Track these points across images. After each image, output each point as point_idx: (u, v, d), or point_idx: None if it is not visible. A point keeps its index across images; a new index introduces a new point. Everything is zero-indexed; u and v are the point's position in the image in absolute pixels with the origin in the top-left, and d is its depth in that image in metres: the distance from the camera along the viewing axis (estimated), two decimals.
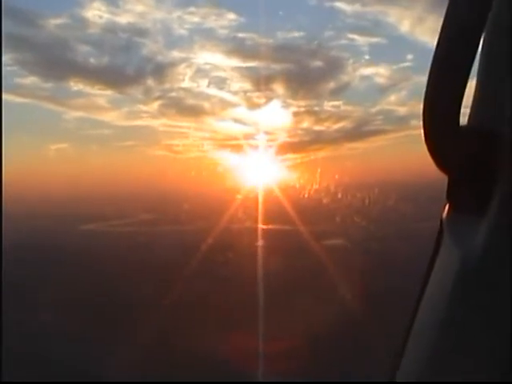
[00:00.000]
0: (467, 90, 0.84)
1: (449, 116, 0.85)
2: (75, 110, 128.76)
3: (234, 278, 17.38)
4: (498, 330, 0.78)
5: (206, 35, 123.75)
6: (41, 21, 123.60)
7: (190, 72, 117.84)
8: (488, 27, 0.84)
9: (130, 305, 15.54)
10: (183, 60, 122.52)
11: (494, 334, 0.78)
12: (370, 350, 11.14)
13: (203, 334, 13.41)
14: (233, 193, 31.85)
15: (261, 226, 26.20)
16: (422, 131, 0.86)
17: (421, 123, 0.87)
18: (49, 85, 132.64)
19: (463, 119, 0.89)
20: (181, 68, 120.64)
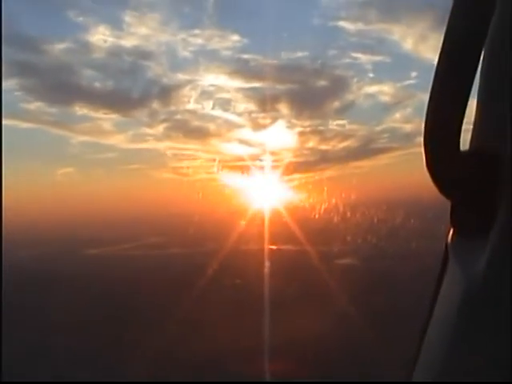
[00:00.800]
0: (467, 111, 0.85)
1: (449, 141, 0.85)
2: (81, 134, 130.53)
3: (243, 300, 17.28)
4: (503, 346, 0.78)
5: (211, 57, 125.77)
6: (45, 46, 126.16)
7: (194, 94, 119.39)
8: (487, 46, 0.84)
9: (140, 328, 15.46)
10: (188, 82, 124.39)
11: (500, 350, 0.79)
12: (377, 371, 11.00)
13: (212, 357, 13.29)
14: (240, 214, 31.92)
15: (269, 246, 26.14)
16: (423, 155, 0.87)
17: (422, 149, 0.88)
18: (54, 110, 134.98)
19: (464, 141, 0.89)
20: (186, 90, 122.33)
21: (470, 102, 0.84)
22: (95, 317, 16.89)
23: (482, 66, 0.87)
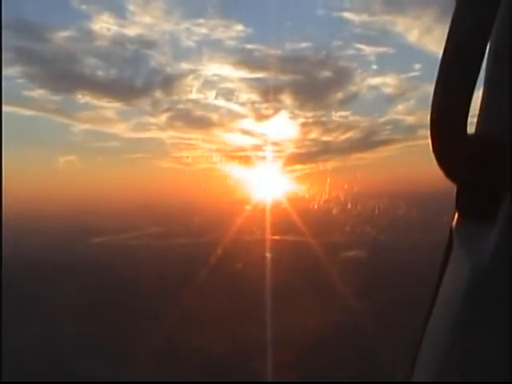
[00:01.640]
0: (474, 98, 0.84)
1: (456, 125, 0.85)
2: (83, 122, 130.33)
3: (244, 289, 17.32)
4: (508, 331, 0.78)
5: (214, 47, 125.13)
6: (48, 34, 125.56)
7: (197, 84, 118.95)
8: (493, 35, 0.84)
9: (141, 317, 15.53)
10: (191, 72, 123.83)
11: (505, 338, 0.79)
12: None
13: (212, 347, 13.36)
14: (242, 204, 31.94)
15: (270, 236, 26.19)
16: (430, 140, 0.87)
17: (429, 132, 0.87)
18: (57, 98, 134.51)
19: (470, 128, 0.89)
20: (189, 80, 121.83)
21: (475, 93, 0.84)
22: (98, 305, 16.97)
23: (489, 54, 0.88)
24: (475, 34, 0.82)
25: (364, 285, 16.66)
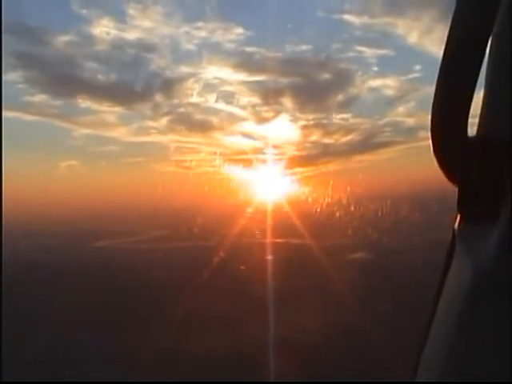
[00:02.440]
0: (475, 99, 0.84)
1: (457, 126, 0.85)
2: (84, 127, 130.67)
3: (247, 291, 17.30)
4: (511, 335, 0.78)
5: (214, 50, 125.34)
6: (48, 38, 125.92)
7: (198, 87, 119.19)
8: (493, 36, 0.84)
9: (145, 319, 15.54)
10: (191, 75, 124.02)
11: (507, 338, 0.78)
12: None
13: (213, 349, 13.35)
14: (243, 207, 31.93)
15: (272, 239, 26.17)
16: (431, 142, 0.86)
17: (429, 134, 0.87)
18: (57, 102, 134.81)
19: (471, 129, 0.88)
20: (189, 83, 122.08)
21: (476, 94, 0.84)
22: (101, 308, 16.97)
23: (489, 55, 0.88)
24: (475, 35, 0.82)
25: (369, 286, 16.63)
